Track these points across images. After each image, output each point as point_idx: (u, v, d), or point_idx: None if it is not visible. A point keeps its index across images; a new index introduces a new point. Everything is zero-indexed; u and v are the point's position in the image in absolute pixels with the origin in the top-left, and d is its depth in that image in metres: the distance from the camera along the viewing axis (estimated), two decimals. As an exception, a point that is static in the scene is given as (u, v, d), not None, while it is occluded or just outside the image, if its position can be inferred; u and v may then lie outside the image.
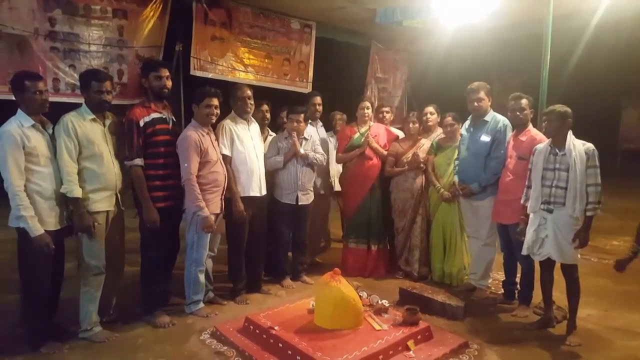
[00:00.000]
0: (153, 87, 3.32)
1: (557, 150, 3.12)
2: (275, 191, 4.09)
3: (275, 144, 4.09)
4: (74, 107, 3.17)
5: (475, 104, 3.79)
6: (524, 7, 4.66)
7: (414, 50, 6.80)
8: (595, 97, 11.39)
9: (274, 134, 4.30)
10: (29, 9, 3.85)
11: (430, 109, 4.48)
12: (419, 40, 6.24)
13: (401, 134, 4.65)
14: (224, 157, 3.59)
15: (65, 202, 2.94)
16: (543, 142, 3.29)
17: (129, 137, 3.18)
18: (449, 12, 4.49)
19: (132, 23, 4.35)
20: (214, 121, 3.52)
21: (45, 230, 2.77)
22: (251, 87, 3.87)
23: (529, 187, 3.31)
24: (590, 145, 3.06)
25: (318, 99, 4.60)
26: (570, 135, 3.10)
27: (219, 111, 3.49)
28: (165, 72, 3.36)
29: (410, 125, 4.39)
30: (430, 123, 4.45)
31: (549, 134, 3.20)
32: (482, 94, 3.78)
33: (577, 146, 3.06)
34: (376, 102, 6.05)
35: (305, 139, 4.14)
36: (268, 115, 4.24)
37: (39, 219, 2.76)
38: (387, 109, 4.84)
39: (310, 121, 4.39)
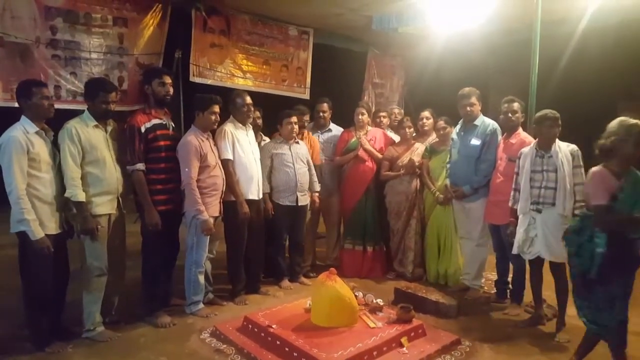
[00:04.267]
0: (156, 93, 3.41)
1: (544, 153, 3.22)
2: (274, 194, 4.15)
3: (268, 152, 4.10)
4: (74, 113, 3.25)
5: (468, 108, 3.89)
6: (515, 13, 4.75)
7: (410, 56, 6.89)
8: (591, 101, 11.44)
9: (267, 139, 4.39)
10: (30, 18, 3.90)
11: (426, 113, 4.54)
12: (414, 46, 6.31)
13: (398, 139, 4.73)
14: (227, 161, 3.66)
15: (63, 207, 3.02)
16: (528, 146, 3.39)
17: (130, 142, 3.26)
18: (442, 19, 4.58)
19: (132, 31, 4.42)
20: (215, 127, 3.63)
21: (45, 234, 2.85)
22: (249, 93, 3.96)
23: (516, 190, 3.40)
24: (575, 147, 3.18)
25: (324, 106, 4.72)
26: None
27: (219, 117, 3.60)
28: (168, 79, 3.46)
29: (406, 129, 4.47)
30: (426, 128, 4.52)
31: (551, 139, 3.20)
32: (473, 99, 3.89)
33: (563, 148, 3.17)
34: (373, 107, 6.14)
35: (297, 142, 4.24)
36: (260, 121, 4.34)
37: (39, 223, 2.83)
38: (384, 113, 4.94)
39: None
